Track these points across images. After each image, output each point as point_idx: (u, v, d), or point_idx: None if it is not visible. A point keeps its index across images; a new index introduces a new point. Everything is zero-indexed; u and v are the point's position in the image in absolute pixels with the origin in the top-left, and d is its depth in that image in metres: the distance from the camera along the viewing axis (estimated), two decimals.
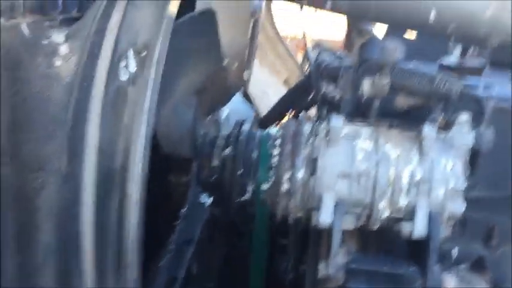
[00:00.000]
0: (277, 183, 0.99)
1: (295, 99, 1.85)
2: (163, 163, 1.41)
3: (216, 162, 1.38)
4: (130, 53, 0.85)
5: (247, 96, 2.64)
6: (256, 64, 2.97)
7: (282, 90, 3.01)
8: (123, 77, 0.85)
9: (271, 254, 1.52)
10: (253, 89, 2.82)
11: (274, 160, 1.00)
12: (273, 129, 1.32)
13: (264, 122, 1.94)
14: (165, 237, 1.32)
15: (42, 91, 0.82)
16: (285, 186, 0.98)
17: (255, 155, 1.36)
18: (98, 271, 0.84)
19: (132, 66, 0.86)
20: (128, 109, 0.85)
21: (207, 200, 1.39)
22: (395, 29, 1.38)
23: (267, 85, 3.15)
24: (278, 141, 1.01)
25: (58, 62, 0.83)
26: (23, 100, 0.82)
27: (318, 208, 0.95)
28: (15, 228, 0.83)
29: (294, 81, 3.09)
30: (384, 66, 0.99)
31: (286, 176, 0.98)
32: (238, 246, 1.54)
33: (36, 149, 0.82)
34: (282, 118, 2.01)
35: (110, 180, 0.83)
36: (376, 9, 0.97)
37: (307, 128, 1.01)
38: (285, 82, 3.24)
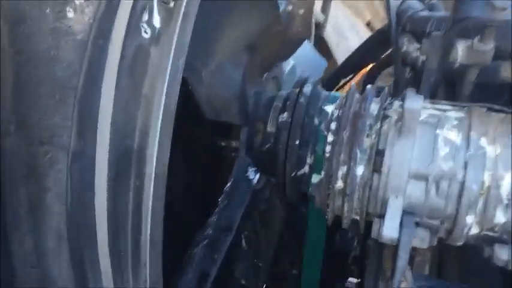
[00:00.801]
0: (330, 178, 0.77)
1: (373, 51, 1.58)
2: (208, 128, 1.25)
3: (271, 128, 1.18)
4: (155, 3, 0.72)
5: (322, 42, 2.41)
6: (336, 4, 2.71)
7: (364, 34, 2.74)
8: (145, 33, 0.72)
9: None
10: (330, 33, 2.59)
11: (327, 149, 0.77)
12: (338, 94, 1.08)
13: (335, 77, 1.69)
14: (206, 211, 1.18)
15: (49, 49, 0.70)
16: (339, 183, 0.76)
17: (316, 121, 1.14)
18: (114, 268, 0.76)
19: (157, 21, 0.72)
20: (149, 75, 0.72)
21: (253, 175, 1.21)
22: None
23: (347, 28, 2.89)
24: (333, 125, 0.77)
25: (70, 14, 0.70)
26: (27, 60, 0.70)
27: (380, 216, 0.73)
28: (26, 207, 0.74)
29: (378, 24, 2.80)
30: (488, 26, 0.72)
31: (342, 171, 0.75)
32: (293, 223, 1.37)
33: (43, 118, 0.71)
34: (358, 72, 1.76)
35: (125, 162, 0.72)
36: None
37: (373, 107, 0.77)
38: (368, 25, 2.96)
